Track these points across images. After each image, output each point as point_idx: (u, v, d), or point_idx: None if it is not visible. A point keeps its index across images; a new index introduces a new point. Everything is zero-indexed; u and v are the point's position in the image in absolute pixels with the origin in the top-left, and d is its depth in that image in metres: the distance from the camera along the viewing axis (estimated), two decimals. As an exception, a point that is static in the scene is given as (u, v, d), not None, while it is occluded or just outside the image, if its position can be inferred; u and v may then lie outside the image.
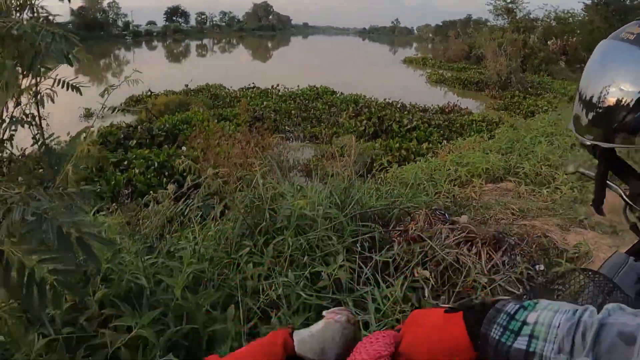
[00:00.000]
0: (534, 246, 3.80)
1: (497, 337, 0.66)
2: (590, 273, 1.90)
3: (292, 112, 15.59)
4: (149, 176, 8.98)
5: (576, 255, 3.76)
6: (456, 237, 3.63)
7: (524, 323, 0.65)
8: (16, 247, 1.37)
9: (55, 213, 1.44)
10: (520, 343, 0.64)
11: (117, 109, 3.15)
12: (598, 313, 0.60)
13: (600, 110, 1.38)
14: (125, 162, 9.56)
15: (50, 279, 1.39)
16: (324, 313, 0.97)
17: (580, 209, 4.83)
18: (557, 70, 23.77)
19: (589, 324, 0.59)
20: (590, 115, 1.42)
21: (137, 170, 9.10)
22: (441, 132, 12.99)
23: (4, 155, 2.72)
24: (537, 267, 3.55)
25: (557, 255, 3.75)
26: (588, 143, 1.54)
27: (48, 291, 1.40)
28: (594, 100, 1.39)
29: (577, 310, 0.63)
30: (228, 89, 19.69)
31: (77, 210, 1.72)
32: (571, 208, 4.92)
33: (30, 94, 2.81)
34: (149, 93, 17.95)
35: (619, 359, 0.54)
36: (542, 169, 6.51)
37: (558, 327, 0.61)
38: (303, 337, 0.87)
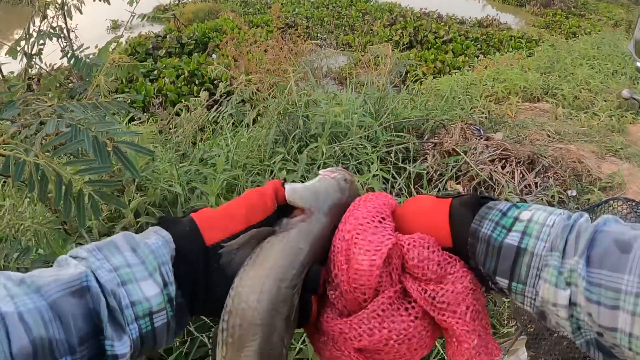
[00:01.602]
0: (567, 170, 3.74)
1: (488, 232, 0.65)
2: (633, 203, 1.88)
3: (325, 19, 15.21)
4: (179, 85, 8.89)
5: (609, 184, 3.69)
6: (491, 154, 3.58)
7: (517, 219, 0.64)
8: (50, 159, 1.36)
9: (90, 123, 1.41)
10: (512, 239, 0.62)
11: (145, 17, 3.08)
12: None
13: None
14: (155, 72, 9.46)
15: (88, 190, 1.39)
16: (320, 171, 0.90)
17: (618, 138, 4.71)
18: (603, -8, 22.64)
19: (584, 228, 0.58)
20: (652, 40, 1.36)
21: (167, 80, 9.00)
22: (478, 46, 12.57)
23: (33, 70, 2.70)
24: (569, 192, 3.51)
25: (590, 182, 3.70)
26: None
27: (86, 202, 1.39)
28: (658, 25, 1.32)
29: (572, 214, 0.61)
30: (258, -5, 19.26)
31: (111, 119, 1.70)
32: (608, 136, 4.80)
33: (56, 6, 2.76)
34: (177, 1, 17.58)
35: (611, 265, 0.53)
36: (581, 92, 6.31)
37: (552, 226, 0.60)
38: (295, 187, 0.81)
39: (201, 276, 0.67)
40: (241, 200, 0.76)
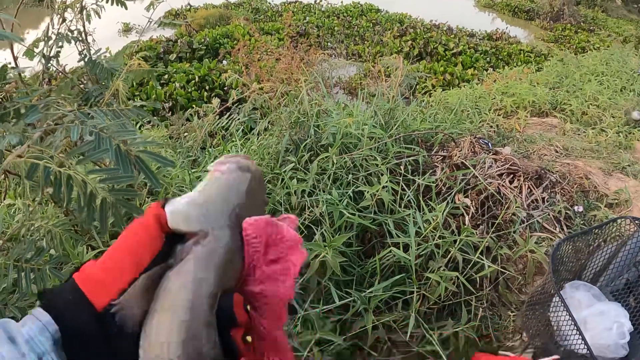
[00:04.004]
0: (574, 186, 3.75)
1: None
2: (640, 222, 1.90)
3: (336, 28, 15.26)
4: (189, 90, 8.95)
5: (616, 201, 3.69)
6: (499, 168, 3.60)
7: None
8: (75, 167, 1.38)
9: (112, 132, 1.42)
10: None
11: (161, 22, 3.11)
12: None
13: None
14: (166, 76, 9.51)
15: (111, 199, 1.40)
16: (209, 167, 0.77)
17: (625, 155, 4.72)
18: (612, 8, 22.54)
19: None
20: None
21: (177, 84, 9.06)
22: (488, 59, 12.60)
23: (48, 72, 2.72)
24: (576, 208, 3.52)
25: (596, 198, 3.70)
26: None
27: (109, 210, 1.40)
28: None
29: None
30: (270, 3, 19.35)
31: (130, 127, 1.72)
32: (615, 153, 4.81)
33: (75, 9, 2.79)
34: (189, 7, 17.69)
35: None
36: (589, 108, 6.32)
37: None
38: (175, 208, 0.67)
39: (100, 346, 0.60)
40: (123, 243, 0.65)
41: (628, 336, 1.58)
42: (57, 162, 1.32)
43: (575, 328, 1.38)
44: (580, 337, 1.37)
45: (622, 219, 1.88)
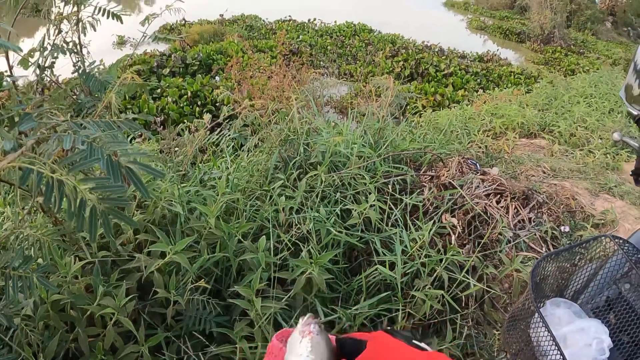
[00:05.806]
0: (561, 207, 3.79)
1: None
2: (620, 240, 1.93)
3: (328, 47, 15.39)
4: (181, 105, 8.99)
5: (602, 222, 3.73)
6: (486, 189, 3.63)
7: None
8: (67, 175, 1.39)
9: (104, 142, 1.45)
10: None
11: (156, 37, 3.14)
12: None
13: (653, 84, 1.37)
14: (158, 91, 9.55)
15: (101, 206, 1.42)
16: (299, 327, 1.01)
17: (612, 176, 4.78)
18: (602, 31, 22.95)
19: None
20: (643, 87, 1.41)
21: (169, 99, 9.10)
22: (478, 80, 12.76)
23: (42, 82, 2.74)
24: (562, 228, 3.55)
25: (583, 219, 3.74)
26: (635, 113, 1.53)
27: (99, 218, 1.43)
28: (649, 72, 1.37)
29: None
30: (264, 21, 19.50)
31: (122, 138, 1.74)
32: (602, 174, 4.87)
33: (71, 21, 2.82)
34: (183, 22, 17.81)
35: None
36: (577, 130, 6.40)
37: None
38: None
39: None
40: None
41: (607, 352, 1.60)
42: (50, 169, 1.34)
43: (554, 344, 1.41)
44: (559, 353, 1.39)
45: (603, 237, 1.91)
